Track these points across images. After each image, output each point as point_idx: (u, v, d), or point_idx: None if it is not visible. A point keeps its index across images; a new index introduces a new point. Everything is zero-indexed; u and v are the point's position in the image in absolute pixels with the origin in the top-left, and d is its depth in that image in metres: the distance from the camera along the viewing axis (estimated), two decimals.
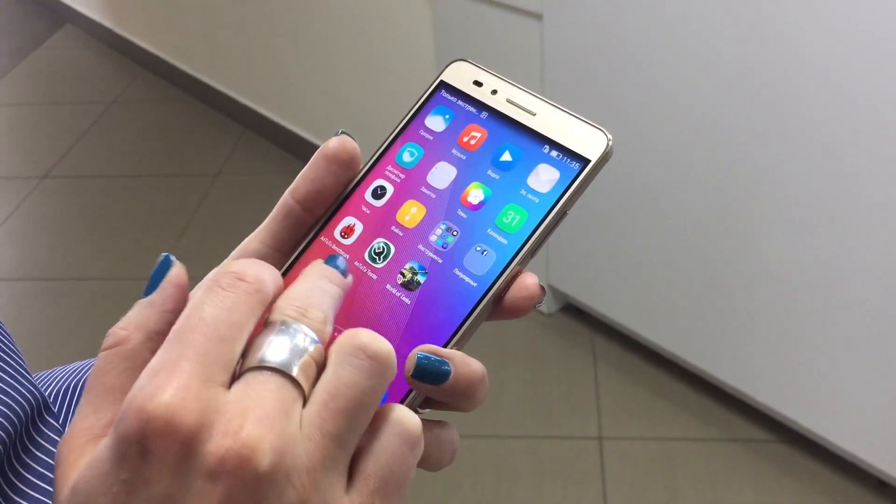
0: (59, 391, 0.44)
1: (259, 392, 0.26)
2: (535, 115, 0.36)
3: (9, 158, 3.02)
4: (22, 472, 0.36)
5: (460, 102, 0.37)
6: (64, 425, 0.42)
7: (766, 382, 1.70)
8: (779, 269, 1.56)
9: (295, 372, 0.27)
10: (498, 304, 0.34)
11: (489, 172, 0.35)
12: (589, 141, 0.35)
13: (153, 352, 0.27)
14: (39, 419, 0.38)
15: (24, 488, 0.35)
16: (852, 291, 1.47)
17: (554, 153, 0.35)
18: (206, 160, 2.86)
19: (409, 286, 0.34)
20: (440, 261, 0.34)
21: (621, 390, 1.88)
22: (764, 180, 1.51)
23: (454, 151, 0.36)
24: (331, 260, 0.32)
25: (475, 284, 0.33)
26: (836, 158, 1.39)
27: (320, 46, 2.46)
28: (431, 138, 0.37)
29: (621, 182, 1.73)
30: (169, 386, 0.25)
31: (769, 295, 1.60)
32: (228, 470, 0.24)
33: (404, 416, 0.29)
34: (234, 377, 0.27)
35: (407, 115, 0.38)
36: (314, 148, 2.76)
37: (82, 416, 0.28)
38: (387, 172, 0.36)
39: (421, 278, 0.34)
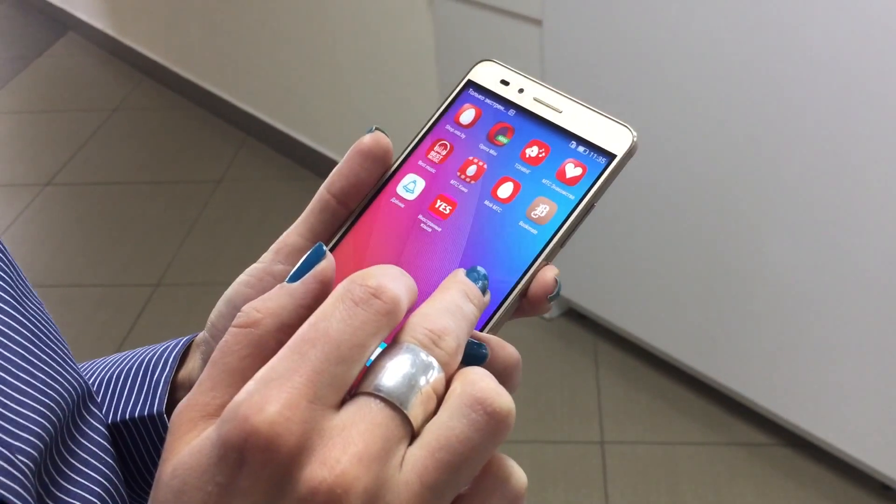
0: (101, 381, 0.44)
1: (366, 424, 0.25)
2: (561, 112, 0.37)
3: (11, 166, 3.03)
4: (68, 457, 0.36)
5: (488, 100, 0.38)
6: (106, 415, 0.43)
7: (768, 386, 1.70)
8: (781, 274, 1.56)
9: (409, 408, 0.26)
10: (523, 297, 0.35)
11: (518, 167, 0.36)
12: (614, 137, 0.36)
13: (280, 343, 0.27)
14: (84, 408, 0.39)
15: (71, 473, 0.36)
16: (855, 296, 1.47)
17: (581, 149, 0.36)
18: (208, 167, 2.87)
19: None
20: None
21: (623, 395, 1.88)
22: (766, 184, 1.51)
23: (483, 147, 0.37)
24: (473, 273, 0.31)
25: (507, 274, 0.34)
26: (840, 164, 1.39)
27: (322, 53, 2.47)
28: (461, 135, 0.38)
29: (623, 186, 1.73)
30: (277, 401, 0.25)
31: (771, 299, 1.60)
32: (319, 502, 0.24)
33: (512, 473, 0.28)
34: (349, 393, 0.27)
35: (436, 112, 0.39)
36: (316, 154, 2.74)
37: (200, 391, 0.28)
38: (418, 168, 0.37)
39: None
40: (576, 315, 2.06)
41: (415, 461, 0.26)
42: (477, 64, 0.39)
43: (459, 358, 0.28)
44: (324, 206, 0.36)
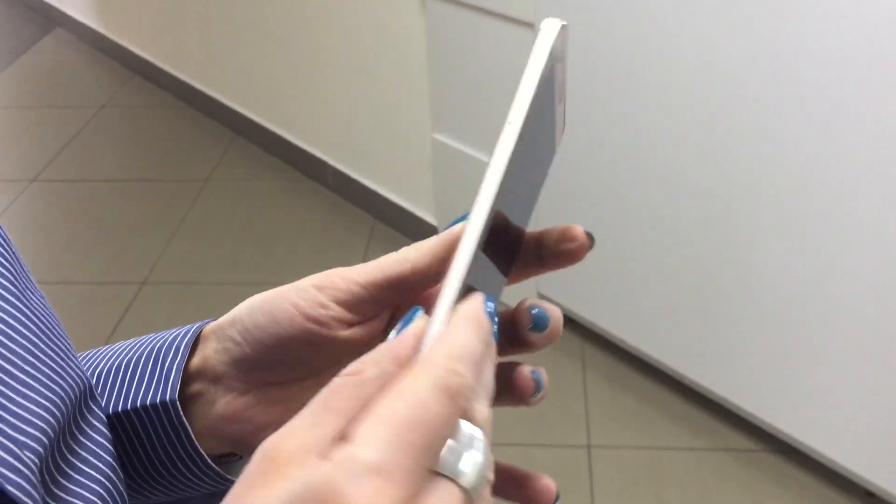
0: (108, 370, 0.44)
1: None
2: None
3: None
4: (69, 455, 0.36)
5: (559, 65, 0.36)
6: (116, 403, 0.43)
7: (756, 392, 1.70)
8: (769, 280, 1.56)
9: (476, 498, 0.29)
10: (539, 253, 0.38)
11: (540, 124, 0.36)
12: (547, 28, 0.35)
13: (379, 388, 0.29)
14: (85, 405, 0.39)
15: (71, 472, 0.36)
16: (842, 303, 1.47)
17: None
18: (197, 165, 2.85)
19: None
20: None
21: (610, 399, 1.88)
22: (756, 191, 1.51)
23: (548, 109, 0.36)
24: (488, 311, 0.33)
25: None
26: (830, 170, 1.40)
27: (312, 53, 2.46)
28: (545, 101, 0.36)
29: (613, 191, 1.74)
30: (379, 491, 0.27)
31: (759, 306, 1.60)
32: None
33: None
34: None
35: (530, 88, 0.34)
36: (305, 154, 2.72)
37: (301, 427, 0.29)
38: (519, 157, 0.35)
39: None
40: (563, 319, 2.06)
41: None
42: (551, 26, 0.35)
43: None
44: (401, 280, 0.37)
